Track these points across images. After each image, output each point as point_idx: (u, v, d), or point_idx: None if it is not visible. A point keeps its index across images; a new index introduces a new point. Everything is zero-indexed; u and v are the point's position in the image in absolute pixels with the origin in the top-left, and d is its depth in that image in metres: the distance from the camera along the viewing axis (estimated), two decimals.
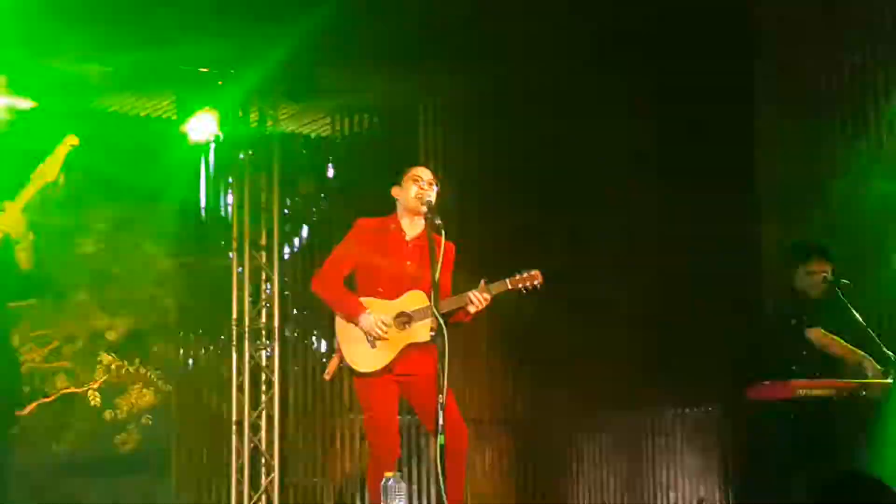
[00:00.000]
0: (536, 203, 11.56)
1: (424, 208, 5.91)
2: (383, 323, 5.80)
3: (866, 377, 6.62)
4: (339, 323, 5.92)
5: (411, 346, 5.88)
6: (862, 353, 6.73)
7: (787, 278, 7.01)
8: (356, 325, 5.84)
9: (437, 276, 5.73)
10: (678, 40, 9.78)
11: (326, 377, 6.22)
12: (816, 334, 6.73)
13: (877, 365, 6.66)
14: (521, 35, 9.60)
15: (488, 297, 5.96)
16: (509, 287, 6.05)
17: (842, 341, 6.76)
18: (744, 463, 8.75)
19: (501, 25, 9.45)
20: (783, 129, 8.49)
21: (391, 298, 5.91)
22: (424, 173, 6.09)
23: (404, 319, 5.88)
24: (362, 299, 5.90)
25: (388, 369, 5.89)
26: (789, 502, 6.35)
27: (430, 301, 5.81)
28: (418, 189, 5.99)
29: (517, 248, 11.33)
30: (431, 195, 5.97)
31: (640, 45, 9.82)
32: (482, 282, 6.00)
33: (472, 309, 5.96)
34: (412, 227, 6.07)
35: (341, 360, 5.93)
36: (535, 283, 6.05)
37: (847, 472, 2.42)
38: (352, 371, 5.93)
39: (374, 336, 5.81)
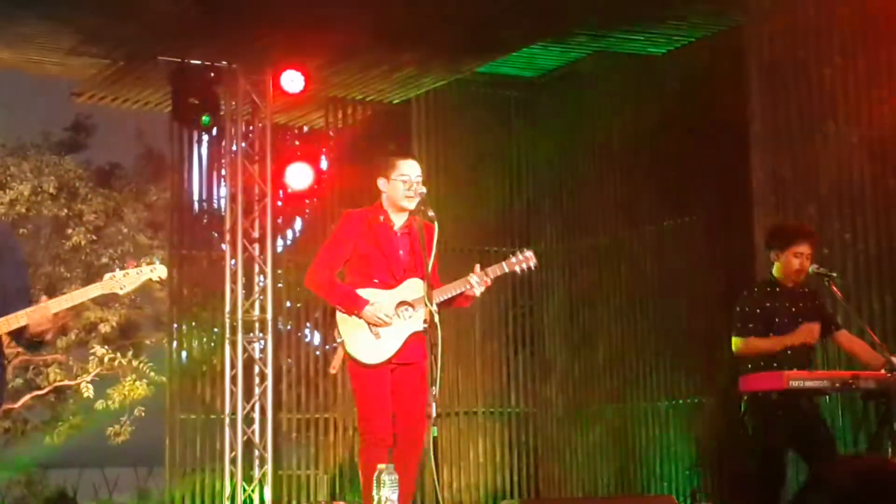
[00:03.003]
0: (528, 191, 11.57)
1: (412, 206, 5.90)
2: (387, 315, 5.80)
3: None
4: (340, 315, 5.90)
5: (412, 335, 5.89)
6: (786, 337, 6.56)
7: (768, 265, 6.90)
8: (359, 317, 5.82)
9: (430, 266, 5.74)
10: (667, 31, 9.80)
11: (332, 371, 6.19)
12: (739, 345, 6.57)
13: (809, 330, 6.46)
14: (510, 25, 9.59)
15: (489, 280, 5.97)
16: (506, 270, 6.07)
17: (761, 340, 6.57)
18: (737, 454, 8.77)
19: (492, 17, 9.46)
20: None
21: (389, 288, 5.91)
22: (412, 170, 6.00)
23: (406, 308, 5.87)
24: (360, 291, 5.89)
25: (390, 359, 5.90)
26: (784, 493, 6.37)
27: (427, 289, 5.84)
28: (406, 189, 5.95)
29: (509, 237, 11.35)
30: (421, 190, 5.93)
31: (629, 33, 9.83)
32: (476, 266, 5.99)
33: (476, 292, 5.95)
34: (399, 216, 6.04)
35: (345, 352, 5.91)
36: (530, 264, 6.10)
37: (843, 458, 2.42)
38: (354, 362, 5.90)
39: (380, 325, 5.81)
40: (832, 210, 8.17)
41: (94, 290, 4.84)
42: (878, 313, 7.94)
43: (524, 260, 6.07)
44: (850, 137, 8.21)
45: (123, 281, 4.75)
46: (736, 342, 6.57)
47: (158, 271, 4.83)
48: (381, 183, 6.02)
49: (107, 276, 4.80)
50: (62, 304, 4.76)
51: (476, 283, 5.93)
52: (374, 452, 5.79)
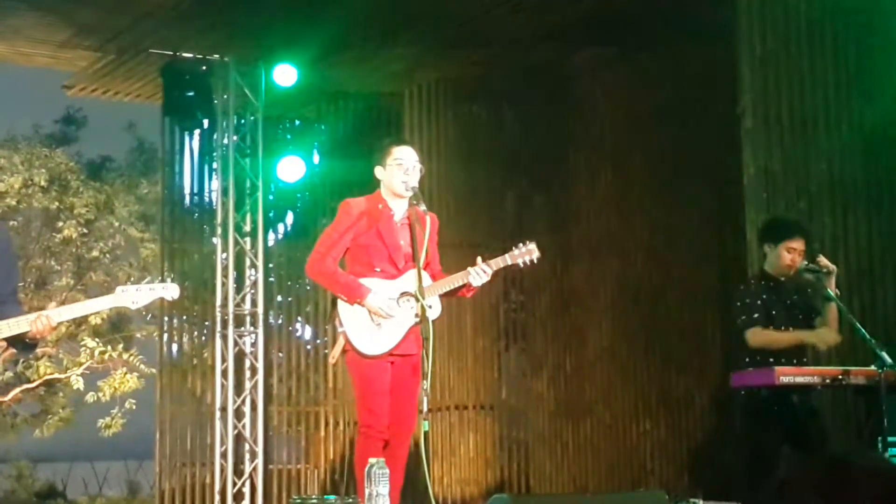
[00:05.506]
0: (521, 184, 11.56)
1: (409, 193, 5.84)
2: (389, 306, 5.74)
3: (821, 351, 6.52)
4: (342, 305, 5.85)
5: (414, 326, 5.82)
6: (806, 333, 6.56)
7: (759, 259, 6.88)
8: (361, 306, 5.77)
9: (421, 261, 5.71)
10: (659, 26, 9.79)
11: (332, 361, 6.13)
12: (752, 337, 6.55)
13: (828, 335, 6.49)
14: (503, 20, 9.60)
15: (488, 272, 5.91)
16: (508, 262, 5.97)
17: (780, 334, 6.58)
18: (730, 449, 8.78)
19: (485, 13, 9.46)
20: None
21: (391, 278, 5.86)
22: (408, 156, 5.94)
23: (408, 298, 5.81)
24: (363, 280, 5.84)
25: (391, 351, 5.85)
26: (776, 489, 6.36)
27: (431, 279, 5.83)
28: (402, 174, 5.90)
29: (501, 231, 11.34)
30: (416, 179, 5.88)
31: (621, 28, 9.81)
32: (479, 259, 5.93)
33: (475, 282, 5.89)
34: (398, 204, 5.98)
35: (346, 342, 5.85)
36: (533, 256, 5.99)
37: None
38: (356, 353, 5.85)
39: (383, 317, 5.74)
40: (823, 205, 8.18)
41: (105, 303, 4.87)
42: (869, 308, 7.95)
43: (527, 252, 5.96)
44: (841, 133, 8.24)
45: (136, 296, 4.80)
46: (747, 335, 6.50)
47: (171, 291, 4.90)
48: (377, 171, 5.97)
49: (119, 289, 4.82)
50: (64, 315, 4.74)
51: (475, 274, 5.88)
52: (371, 445, 5.73)
